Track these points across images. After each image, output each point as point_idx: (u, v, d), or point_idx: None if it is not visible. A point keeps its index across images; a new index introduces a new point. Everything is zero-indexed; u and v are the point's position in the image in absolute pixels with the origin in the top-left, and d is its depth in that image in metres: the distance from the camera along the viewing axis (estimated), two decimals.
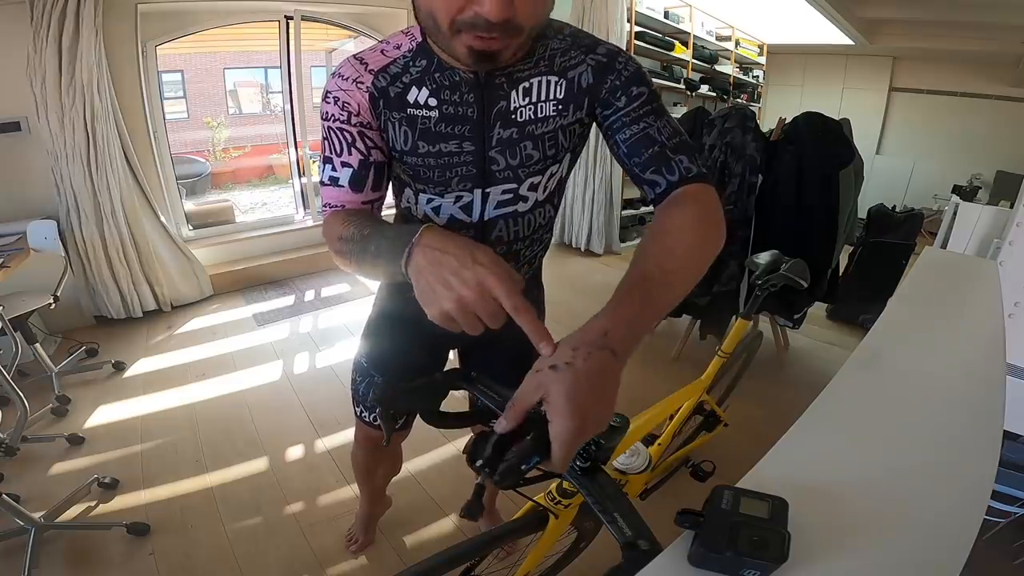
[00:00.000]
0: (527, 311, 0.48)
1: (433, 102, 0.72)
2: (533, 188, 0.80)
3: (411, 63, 0.72)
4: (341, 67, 0.74)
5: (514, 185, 0.78)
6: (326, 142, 0.75)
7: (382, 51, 0.74)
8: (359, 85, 0.72)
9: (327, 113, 0.74)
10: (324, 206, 0.78)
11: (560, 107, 0.74)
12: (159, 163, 3.11)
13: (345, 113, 0.73)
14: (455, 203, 0.79)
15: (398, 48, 0.73)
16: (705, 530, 0.49)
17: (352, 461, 1.37)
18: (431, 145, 0.74)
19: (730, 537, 0.48)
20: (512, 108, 0.73)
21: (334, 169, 0.75)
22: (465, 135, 0.73)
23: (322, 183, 0.77)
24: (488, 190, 0.78)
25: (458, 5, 0.56)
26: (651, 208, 0.72)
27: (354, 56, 0.74)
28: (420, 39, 0.72)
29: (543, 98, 0.73)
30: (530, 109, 0.73)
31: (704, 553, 0.48)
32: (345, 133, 0.73)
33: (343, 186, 0.74)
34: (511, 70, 0.72)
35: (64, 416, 2.12)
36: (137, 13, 2.77)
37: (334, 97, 0.73)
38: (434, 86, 0.72)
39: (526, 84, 0.72)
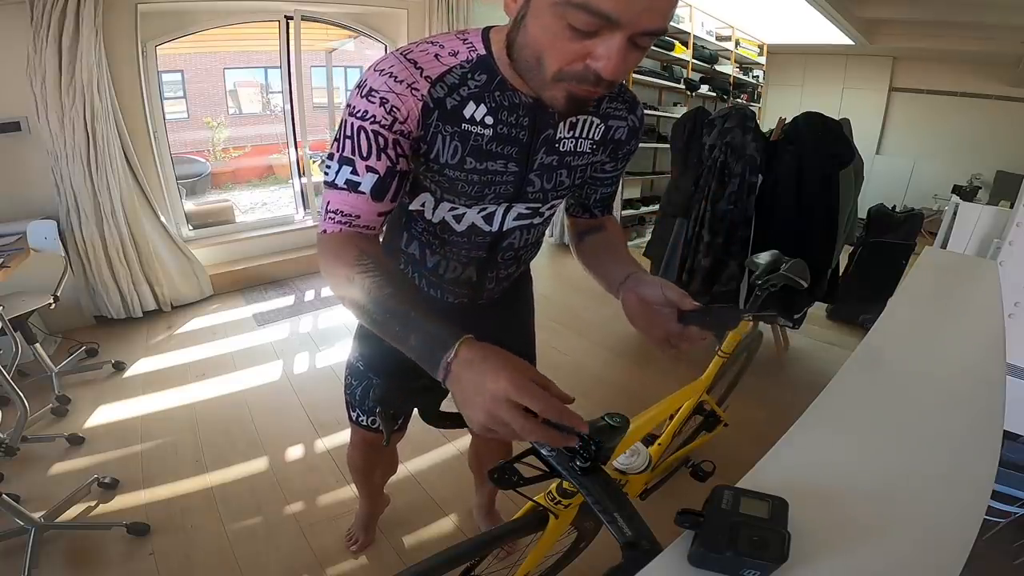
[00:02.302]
0: (553, 410, 0.52)
1: (489, 120, 0.70)
2: (552, 208, 0.86)
3: (469, 75, 0.68)
4: (390, 66, 0.66)
5: (539, 205, 0.82)
6: (349, 141, 0.67)
7: (436, 56, 0.68)
8: (414, 91, 0.66)
9: (365, 112, 0.66)
10: (331, 213, 0.68)
11: (594, 147, 0.80)
12: (159, 163, 3.11)
13: (390, 118, 0.66)
14: (479, 213, 0.80)
15: (454, 56, 0.69)
16: (705, 530, 0.49)
17: (349, 464, 1.37)
18: (479, 162, 0.73)
19: (730, 537, 0.48)
20: (557, 137, 0.75)
21: (355, 172, 0.67)
22: (512, 156, 0.73)
23: (332, 185, 0.68)
24: (514, 205, 0.81)
25: (572, 56, 0.56)
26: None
27: (402, 55, 0.67)
28: (483, 52, 0.69)
29: (584, 135, 0.78)
30: (572, 142, 0.77)
31: (704, 553, 0.48)
32: (380, 137, 0.66)
33: (363, 192, 0.68)
34: None
35: (64, 416, 2.12)
36: (137, 13, 2.77)
37: (382, 98, 0.65)
38: (493, 104, 0.70)
39: (573, 119, 0.75)
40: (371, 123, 0.66)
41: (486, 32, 0.70)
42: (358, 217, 0.68)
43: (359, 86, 0.67)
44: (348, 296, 0.64)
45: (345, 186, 0.68)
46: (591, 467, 0.63)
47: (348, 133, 0.67)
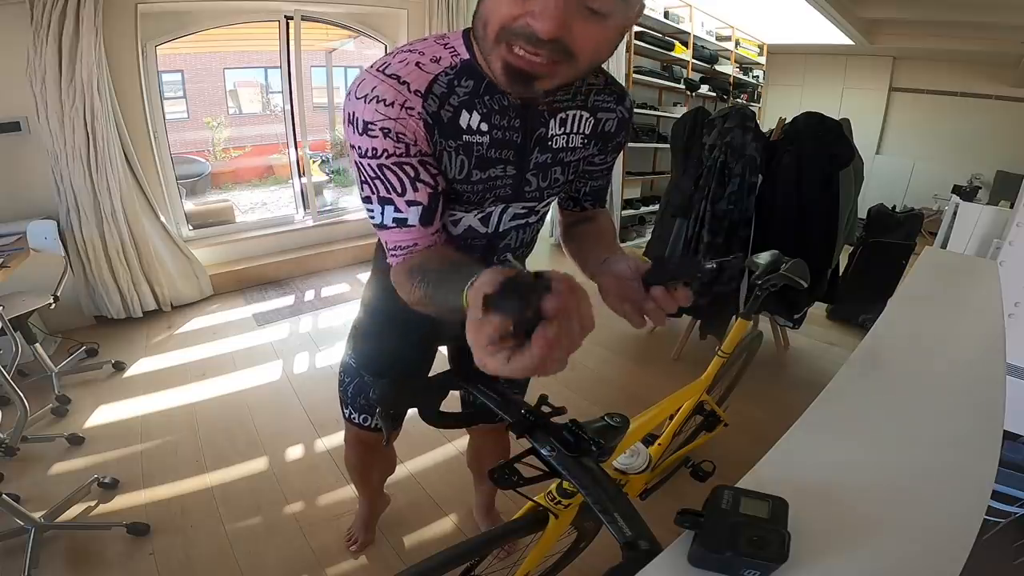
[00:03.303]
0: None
1: (484, 127, 0.68)
2: (546, 205, 0.86)
3: (456, 82, 0.65)
4: (373, 88, 0.61)
5: (535, 203, 0.82)
6: (379, 182, 0.63)
7: (418, 64, 0.63)
8: (409, 111, 0.62)
9: (374, 149, 0.61)
10: (392, 250, 0.68)
11: (585, 141, 0.79)
12: (159, 163, 3.11)
13: (402, 145, 0.62)
14: (476, 215, 0.79)
15: (436, 62, 0.64)
16: (705, 530, 0.49)
17: (346, 463, 1.37)
18: (483, 171, 0.71)
19: (730, 537, 0.48)
20: (549, 135, 0.74)
21: (398, 210, 0.64)
22: (510, 159, 0.73)
23: (381, 226, 0.66)
24: (511, 205, 0.80)
25: (512, 13, 0.52)
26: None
27: (378, 71, 0.62)
28: (466, 56, 0.66)
29: (575, 130, 0.77)
30: (563, 138, 0.76)
31: (704, 553, 0.48)
32: (406, 168, 0.62)
33: (413, 226, 0.65)
34: (552, 100, 0.72)
35: (64, 416, 2.12)
36: (137, 13, 2.77)
37: (382, 129, 0.60)
38: (484, 110, 0.67)
39: (563, 115, 0.74)
40: (387, 157, 0.62)
41: (467, 34, 0.67)
42: (415, 245, 0.68)
43: (351, 122, 0.62)
44: (421, 305, 0.63)
45: (394, 224, 0.66)
46: (581, 452, 0.63)
47: (372, 175, 0.63)
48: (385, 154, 0.62)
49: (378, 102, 0.60)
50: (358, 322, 1.08)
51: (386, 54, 0.66)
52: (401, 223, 0.65)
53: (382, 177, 0.63)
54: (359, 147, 0.62)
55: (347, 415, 1.14)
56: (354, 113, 0.61)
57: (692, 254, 2.44)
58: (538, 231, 0.93)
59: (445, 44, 0.67)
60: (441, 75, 0.65)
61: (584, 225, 0.93)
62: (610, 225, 0.94)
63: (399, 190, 0.63)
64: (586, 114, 0.77)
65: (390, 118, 0.61)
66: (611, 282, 0.69)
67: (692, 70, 5.14)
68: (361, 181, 0.65)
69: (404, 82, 0.62)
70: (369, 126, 0.61)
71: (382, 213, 0.65)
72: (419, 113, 0.63)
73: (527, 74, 0.56)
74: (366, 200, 0.66)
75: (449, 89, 0.65)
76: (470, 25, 0.69)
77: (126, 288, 2.87)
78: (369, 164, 0.62)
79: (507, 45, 0.54)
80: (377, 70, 0.62)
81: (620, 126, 0.83)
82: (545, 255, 4.19)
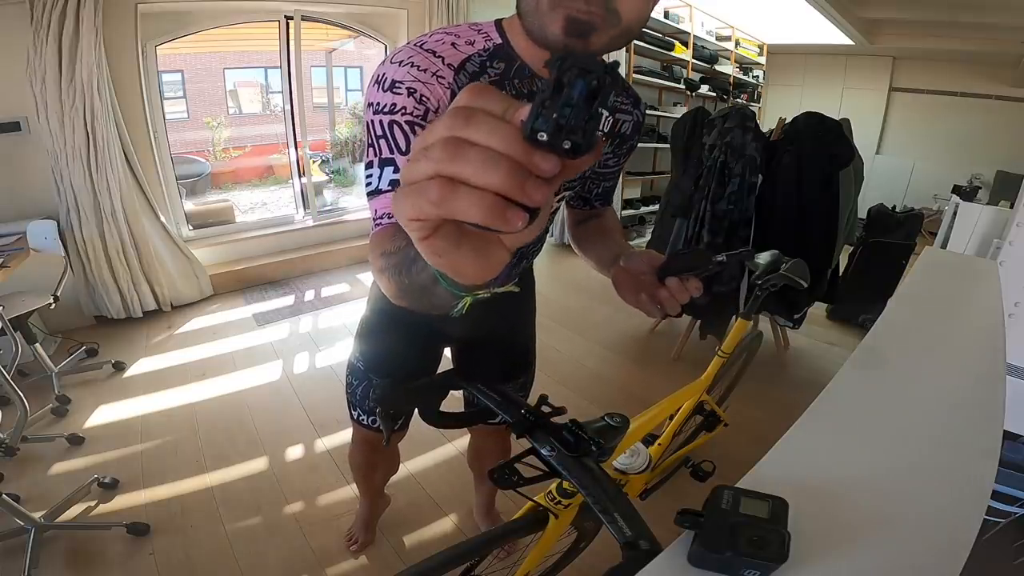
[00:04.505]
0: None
1: None
2: (561, 198, 0.86)
3: (488, 63, 0.67)
4: (409, 56, 0.63)
5: None
6: (383, 140, 0.61)
7: (453, 44, 0.66)
8: (440, 80, 0.63)
9: (393, 105, 0.61)
10: (378, 220, 0.61)
11: (603, 138, 0.79)
12: (159, 163, 3.11)
13: (422, 108, 0.61)
14: None
15: (471, 44, 0.67)
16: (705, 530, 0.49)
17: (350, 462, 1.37)
18: None
19: (730, 537, 0.48)
20: None
21: (397, 170, 0.60)
22: None
23: (376, 193, 0.62)
24: None
25: None
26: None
27: (417, 46, 0.65)
28: (499, 40, 0.68)
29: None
30: None
31: (704, 553, 0.48)
32: (417, 129, 0.61)
33: None
34: None
35: (64, 416, 2.12)
36: (137, 13, 2.77)
37: (408, 88, 0.61)
38: (513, 93, 0.67)
39: None
40: (402, 115, 0.61)
41: (498, 23, 0.70)
42: None
43: (378, 81, 0.63)
44: (384, 268, 0.54)
45: (389, 187, 0.61)
46: (581, 452, 0.63)
47: (380, 132, 0.61)
48: (402, 111, 0.61)
49: (412, 67, 0.62)
50: (364, 322, 1.08)
51: (422, 34, 0.68)
52: (397, 186, 0.63)
53: (389, 136, 0.61)
54: (377, 103, 0.62)
55: (355, 416, 1.14)
56: (384, 74, 0.62)
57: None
58: (547, 228, 0.91)
59: (479, 30, 0.69)
60: (475, 55, 0.67)
61: (592, 222, 0.95)
62: (616, 222, 0.97)
63: (403, 148, 0.61)
64: (605, 112, 0.76)
65: (419, 80, 0.62)
66: (625, 276, 0.72)
67: (692, 70, 5.14)
68: (368, 144, 0.64)
69: (439, 56, 0.64)
70: (396, 84, 0.62)
71: (380, 176, 0.61)
72: (449, 84, 0.63)
73: (586, 24, 0.56)
74: (368, 165, 0.64)
75: (481, 69, 0.67)
76: (499, 18, 0.70)
77: (126, 288, 2.87)
78: (381, 121, 0.61)
79: (561, 8, 0.56)
80: (414, 45, 0.65)
81: (635, 129, 0.85)
82: (546, 255, 4.20)
